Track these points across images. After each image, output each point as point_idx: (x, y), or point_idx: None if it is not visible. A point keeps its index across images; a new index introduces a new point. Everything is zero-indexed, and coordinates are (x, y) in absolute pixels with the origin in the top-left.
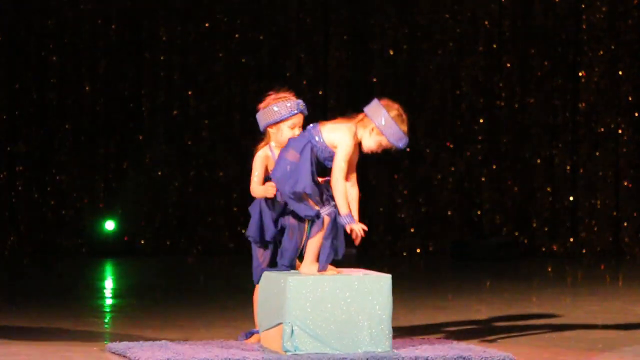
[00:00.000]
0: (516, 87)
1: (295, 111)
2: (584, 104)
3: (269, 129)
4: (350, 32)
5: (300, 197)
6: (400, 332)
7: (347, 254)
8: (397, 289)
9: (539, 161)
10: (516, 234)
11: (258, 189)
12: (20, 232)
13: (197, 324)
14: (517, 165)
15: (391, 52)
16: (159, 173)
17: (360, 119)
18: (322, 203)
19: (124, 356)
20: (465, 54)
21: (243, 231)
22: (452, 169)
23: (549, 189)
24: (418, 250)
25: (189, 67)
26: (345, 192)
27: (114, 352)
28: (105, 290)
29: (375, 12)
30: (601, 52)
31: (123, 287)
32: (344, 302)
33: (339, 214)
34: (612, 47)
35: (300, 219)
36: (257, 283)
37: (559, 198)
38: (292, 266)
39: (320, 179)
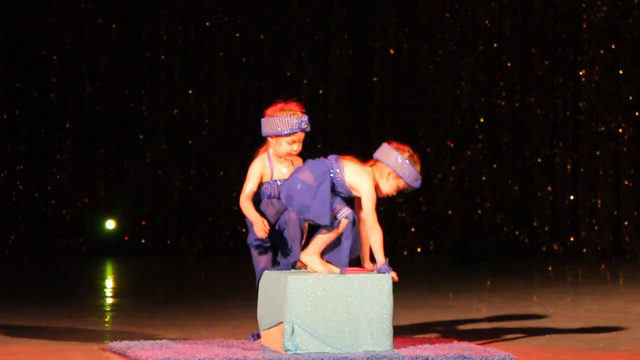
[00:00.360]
0: (517, 86)
1: (297, 129)
2: (584, 103)
3: (269, 138)
4: (350, 32)
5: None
6: (401, 332)
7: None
8: (398, 288)
9: (539, 160)
10: (517, 233)
11: (248, 209)
12: (21, 231)
13: (198, 323)
14: (517, 164)
15: (392, 52)
16: (160, 172)
17: (373, 164)
18: (336, 210)
19: (125, 355)
20: (465, 53)
21: (244, 230)
22: (453, 168)
23: (549, 188)
24: (419, 250)
25: (189, 67)
26: (382, 240)
27: (114, 352)
28: (105, 290)
29: (376, 12)
30: (602, 52)
31: (123, 287)
32: (345, 301)
33: (372, 259)
34: (613, 47)
35: None
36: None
37: (560, 197)
38: (294, 265)
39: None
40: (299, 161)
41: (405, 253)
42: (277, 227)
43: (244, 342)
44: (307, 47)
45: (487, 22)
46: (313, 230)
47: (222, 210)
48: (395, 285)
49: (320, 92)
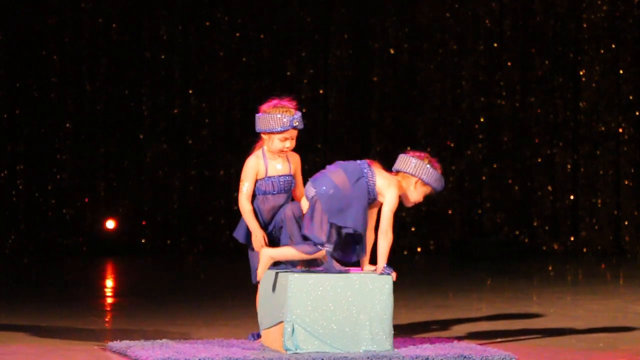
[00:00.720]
0: (517, 86)
1: (288, 127)
2: (584, 103)
3: (262, 135)
4: (350, 32)
5: (336, 225)
6: (401, 331)
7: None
8: (398, 288)
9: (539, 160)
10: (517, 232)
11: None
12: (21, 231)
13: (198, 323)
14: (517, 164)
15: (392, 52)
16: (160, 172)
17: (396, 174)
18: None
19: (125, 355)
20: (465, 53)
21: None
22: (453, 167)
23: (549, 188)
24: (419, 249)
25: (189, 66)
26: (390, 247)
27: (114, 351)
28: (105, 289)
29: (376, 11)
30: (602, 51)
31: (124, 286)
32: (345, 301)
33: (374, 262)
34: (613, 46)
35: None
36: (255, 282)
37: (560, 197)
38: (293, 264)
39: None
40: (294, 157)
41: (405, 253)
42: (273, 225)
43: (244, 342)
44: (307, 47)
45: (487, 22)
46: None
47: (222, 210)
48: (395, 285)
49: (321, 92)
